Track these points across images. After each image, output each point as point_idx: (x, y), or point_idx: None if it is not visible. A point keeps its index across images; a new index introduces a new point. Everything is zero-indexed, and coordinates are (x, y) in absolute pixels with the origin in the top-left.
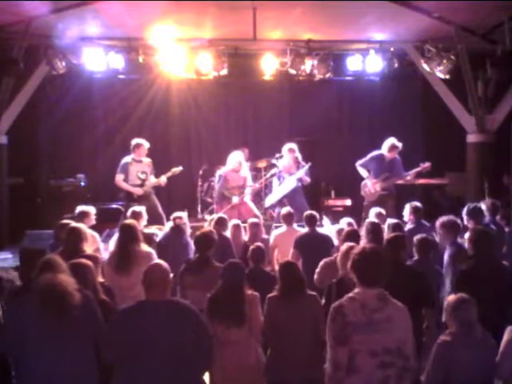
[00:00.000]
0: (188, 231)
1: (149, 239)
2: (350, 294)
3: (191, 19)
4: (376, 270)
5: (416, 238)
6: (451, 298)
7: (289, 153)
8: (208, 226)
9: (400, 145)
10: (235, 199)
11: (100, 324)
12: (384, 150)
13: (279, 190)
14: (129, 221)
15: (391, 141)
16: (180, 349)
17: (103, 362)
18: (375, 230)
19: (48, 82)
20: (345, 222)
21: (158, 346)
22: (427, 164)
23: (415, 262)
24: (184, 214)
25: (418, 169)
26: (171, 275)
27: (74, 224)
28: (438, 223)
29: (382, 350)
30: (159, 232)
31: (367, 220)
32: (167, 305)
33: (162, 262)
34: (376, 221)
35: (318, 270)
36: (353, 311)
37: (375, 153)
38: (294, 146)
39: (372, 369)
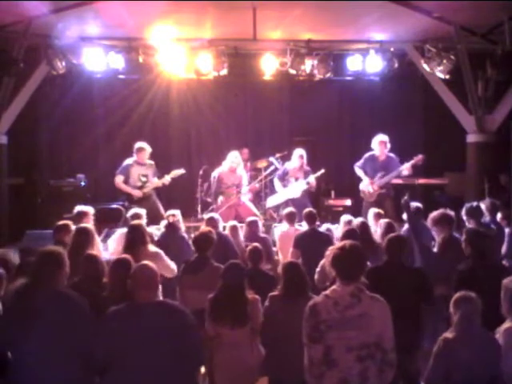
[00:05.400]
0: (182, 227)
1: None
2: (326, 292)
3: (191, 19)
4: (353, 265)
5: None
6: (456, 295)
7: (299, 159)
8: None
9: (386, 138)
10: (219, 200)
11: (79, 328)
12: (374, 148)
13: (286, 193)
14: (136, 222)
15: (377, 138)
16: (169, 350)
17: (94, 366)
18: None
19: (48, 82)
20: (344, 220)
21: (147, 348)
22: (420, 156)
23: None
24: (177, 212)
25: (411, 162)
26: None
27: (84, 225)
28: (429, 220)
29: (358, 345)
30: (157, 232)
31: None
32: (156, 306)
33: (148, 262)
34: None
35: (318, 270)
36: (326, 309)
37: (368, 154)
38: (303, 152)
39: (349, 362)
